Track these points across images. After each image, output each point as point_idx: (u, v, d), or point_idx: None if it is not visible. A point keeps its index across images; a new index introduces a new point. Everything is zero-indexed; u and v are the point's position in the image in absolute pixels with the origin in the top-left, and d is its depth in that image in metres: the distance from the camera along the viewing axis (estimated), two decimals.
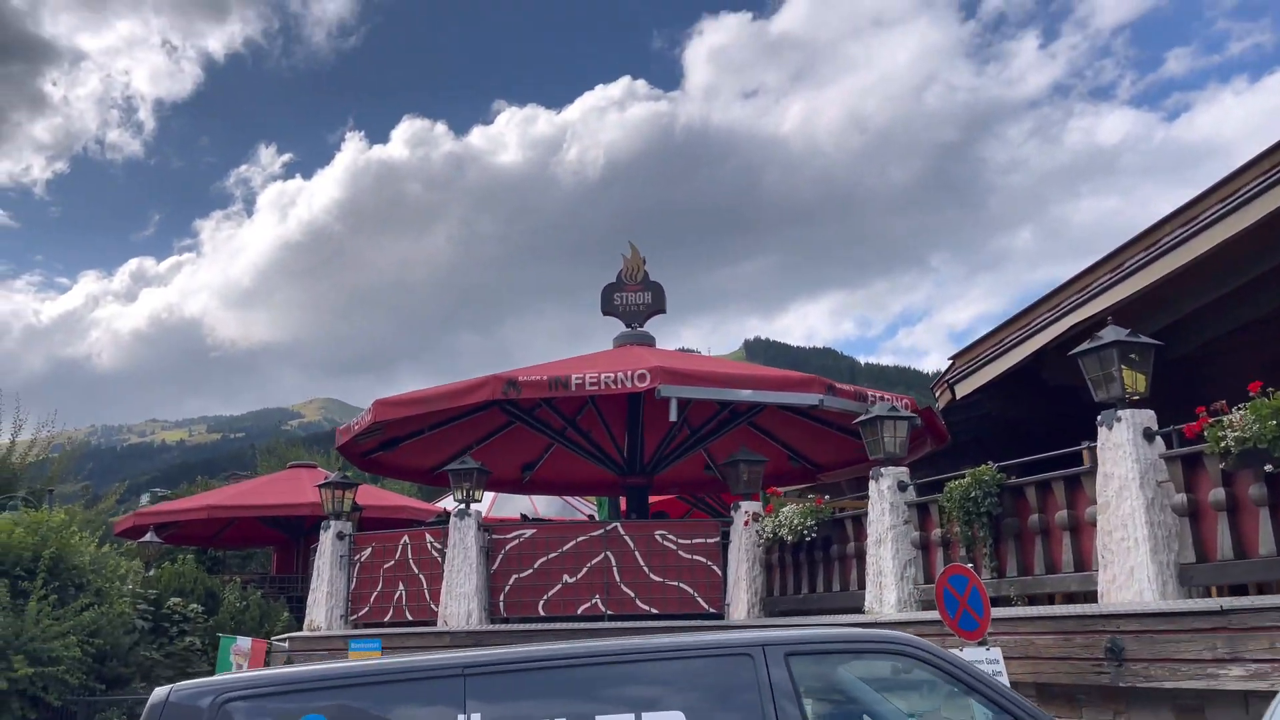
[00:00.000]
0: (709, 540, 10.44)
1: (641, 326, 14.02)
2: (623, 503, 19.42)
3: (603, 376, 10.32)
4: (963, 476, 7.79)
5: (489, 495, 21.34)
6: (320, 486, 11.53)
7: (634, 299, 14.09)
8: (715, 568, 10.37)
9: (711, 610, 10.31)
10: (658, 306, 14.10)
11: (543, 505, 19.83)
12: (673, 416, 10.27)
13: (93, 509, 20.71)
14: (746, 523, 10.13)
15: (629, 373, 10.20)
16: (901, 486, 8.64)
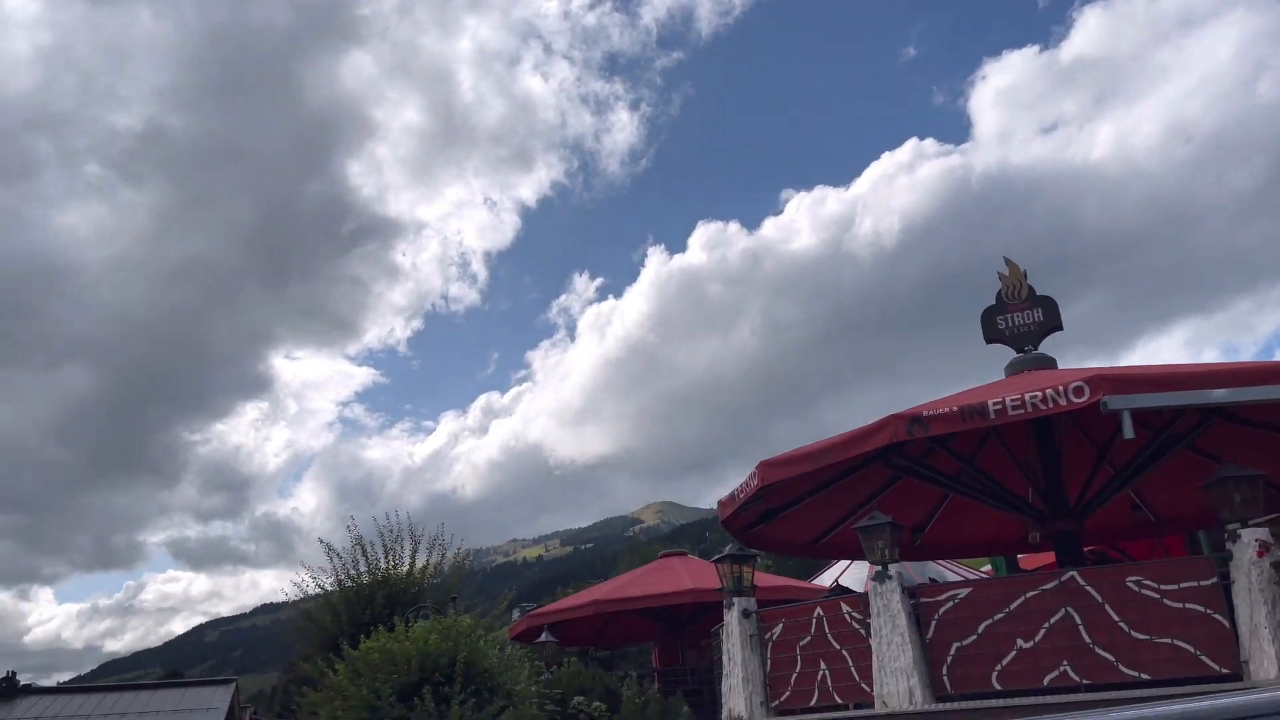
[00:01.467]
0: (1203, 583, 8.29)
1: (1035, 349, 12.18)
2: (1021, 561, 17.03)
3: (1027, 398, 8.71)
4: None
5: (839, 566, 19.84)
6: (716, 561, 10.72)
7: (1022, 319, 12.32)
8: (1218, 617, 8.18)
9: (1224, 670, 8.10)
10: (1052, 323, 12.20)
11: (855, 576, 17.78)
12: (1128, 433, 8.37)
13: (485, 619, 21.58)
14: (1261, 553, 7.91)
15: (1061, 388, 8.52)
16: None
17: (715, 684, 15.98)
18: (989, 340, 12.51)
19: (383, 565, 20.24)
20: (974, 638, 8.87)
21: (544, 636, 16.52)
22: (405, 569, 20.22)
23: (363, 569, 20.17)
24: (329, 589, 20.09)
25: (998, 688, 8.74)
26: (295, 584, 19.70)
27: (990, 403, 8.85)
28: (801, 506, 12.84)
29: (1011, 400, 8.75)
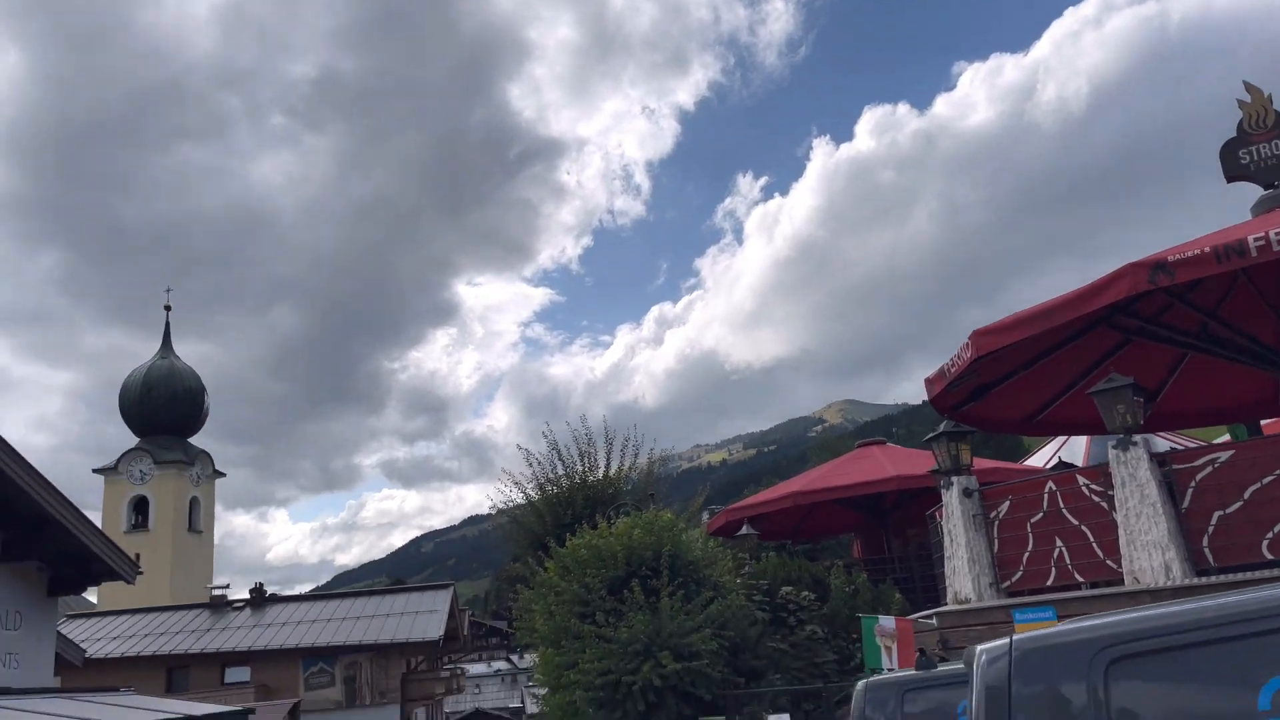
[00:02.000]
0: None
1: None
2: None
3: None
4: None
5: (1052, 447, 18.44)
6: (930, 441, 10.07)
7: (1270, 150, 10.70)
8: None
9: None
10: None
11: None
12: None
13: (683, 514, 21.80)
14: None
15: None
16: None
17: (929, 570, 15.41)
18: (1230, 178, 10.95)
19: (579, 469, 20.61)
20: (1239, 504, 7.90)
21: (744, 530, 16.38)
22: (601, 472, 20.54)
23: (560, 473, 20.62)
24: (531, 494, 20.66)
25: (1268, 557, 7.78)
26: (500, 490, 20.39)
27: (1251, 239, 7.66)
28: (1016, 380, 11.89)
29: (1276, 234, 7.54)
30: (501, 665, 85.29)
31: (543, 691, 14.44)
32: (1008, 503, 9.45)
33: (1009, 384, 11.95)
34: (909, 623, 10.00)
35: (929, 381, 11.13)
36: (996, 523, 9.48)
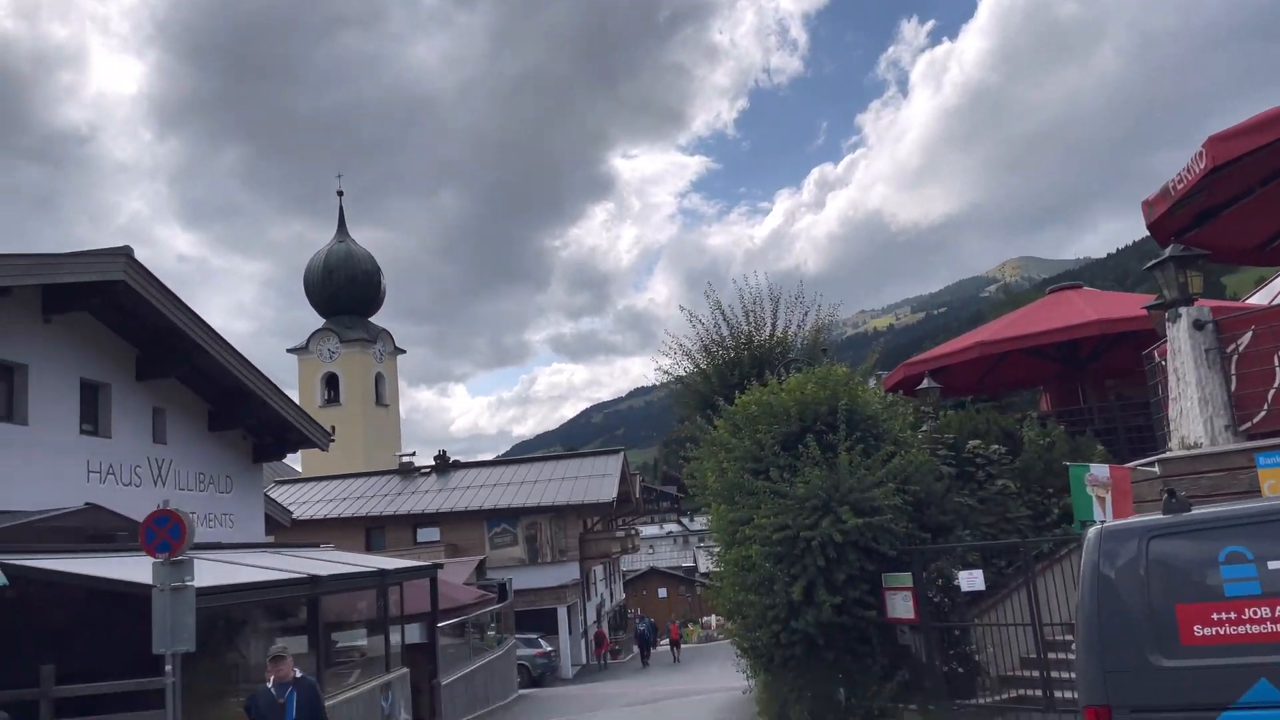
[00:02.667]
0: None
1: None
2: None
3: None
4: None
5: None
6: (1153, 267, 8.74)
7: None
8: None
9: None
10: None
11: None
12: None
13: (858, 369, 20.94)
14: None
15: None
16: None
17: (1134, 421, 14.07)
18: None
19: (745, 329, 19.95)
20: None
21: (925, 383, 15.39)
22: (768, 331, 19.81)
23: (725, 334, 20.01)
24: (696, 357, 20.21)
25: None
26: (665, 352, 20.01)
27: None
28: (1253, 199, 10.25)
29: None
30: (673, 527, 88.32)
31: (717, 548, 14.29)
32: (1250, 334, 8.14)
33: (1245, 204, 10.34)
34: (1126, 471, 8.98)
35: (1148, 204, 9.71)
36: (1235, 358, 8.22)
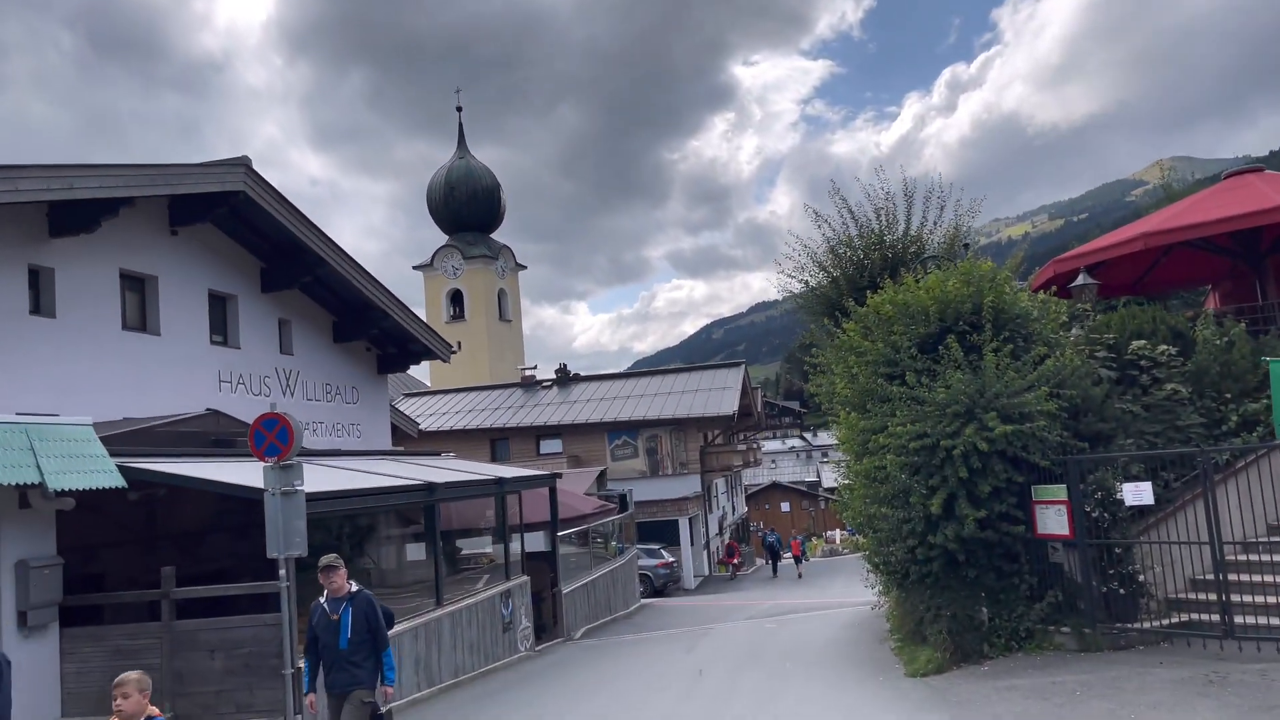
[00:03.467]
0: None
1: None
2: None
3: None
4: None
5: None
6: None
7: None
8: None
9: None
10: None
11: None
12: None
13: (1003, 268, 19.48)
14: None
15: None
16: None
17: None
18: None
19: (875, 228, 18.73)
20: None
21: (1080, 279, 13.98)
22: (901, 229, 18.54)
23: (854, 234, 18.85)
24: (822, 260, 19.15)
25: None
26: (789, 257, 18.98)
27: None
28: None
29: None
30: (796, 442, 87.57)
31: (845, 460, 13.50)
32: None
33: None
34: None
35: None
36: None
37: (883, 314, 12.22)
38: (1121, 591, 9.86)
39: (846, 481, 13.12)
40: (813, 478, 74.87)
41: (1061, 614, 10.09)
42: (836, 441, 14.52)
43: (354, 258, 17.42)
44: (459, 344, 68.55)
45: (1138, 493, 9.45)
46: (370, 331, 19.22)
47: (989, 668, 9.83)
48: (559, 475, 18.58)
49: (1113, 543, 9.89)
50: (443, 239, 66.30)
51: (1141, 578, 9.94)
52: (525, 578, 15.30)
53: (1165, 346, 11.65)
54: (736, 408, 36.48)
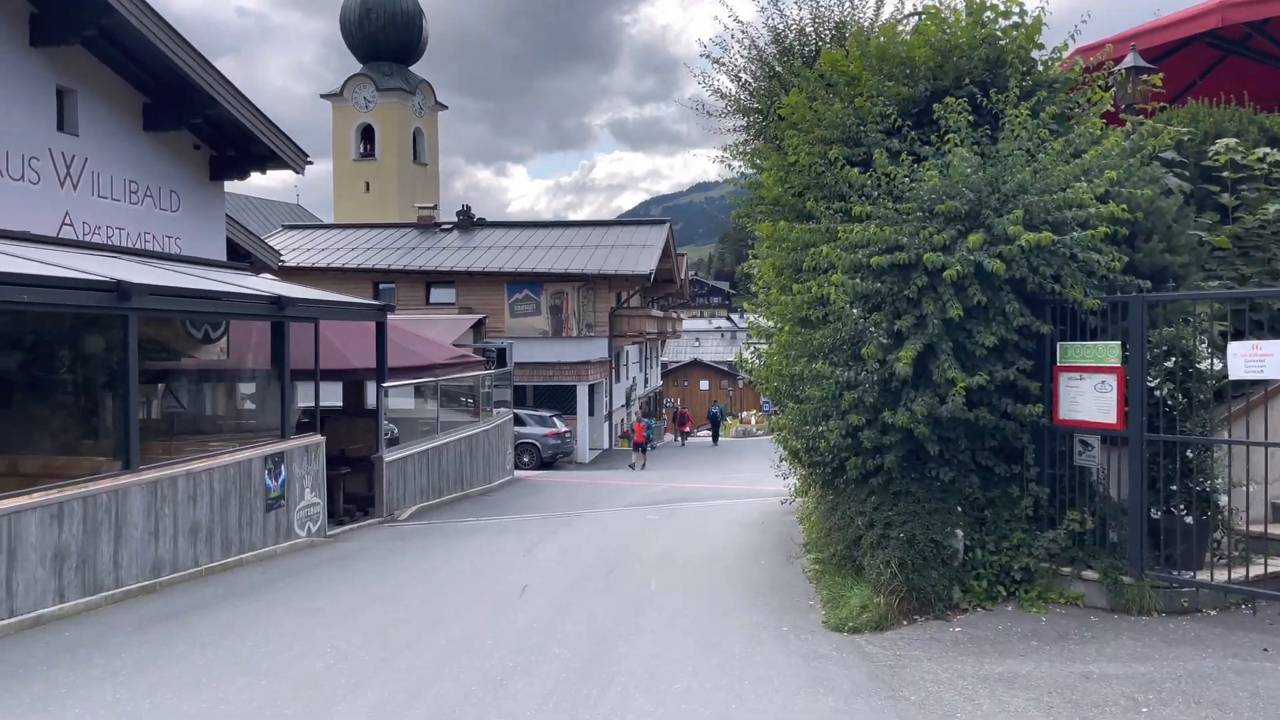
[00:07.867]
0: None
1: None
2: None
3: None
4: None
5: None
6: None
7: None
8: None
9: None
10: None
11: None
12: None
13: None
14: None
15: None
16: None
17: None
18: None
19: (835, 15, 14.04)
20: None
21: (1129, 59, 9.69)
22: (871, 10, 13.90)
23: (807, 21, 14.13)
24: (763, 46, 14.40)
25: None
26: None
27: None
28: None
29: None
30: (722, 324, 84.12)
31: (764, 304, 9.39)
32: None
33: None
34: None
35: None
36: None
37: (844, 70, 7.87)
38: (1188, 520, 6.02)
39: (767, 326, 9.06)
40: (735, 358, 71.92)
41: (1084, 549, 6.25)
42: (756, 280, 10.34)
43: (172, 25, 12.42)
44: (367, 184, 62.73)
45: (1256, 359, 5.47)
46: (192, 120, 14.31)
47: (961, 628, 5.99)
48: (392, 308, 14.18)
49: (1190, 439, 5.98)
50: (358, 69, 59.37)
51: (1223, 501, 6.10)
52: (317, 438, 11.08)
53: (1269, 149, 7.58)
54: (655, 267, 32.19)
